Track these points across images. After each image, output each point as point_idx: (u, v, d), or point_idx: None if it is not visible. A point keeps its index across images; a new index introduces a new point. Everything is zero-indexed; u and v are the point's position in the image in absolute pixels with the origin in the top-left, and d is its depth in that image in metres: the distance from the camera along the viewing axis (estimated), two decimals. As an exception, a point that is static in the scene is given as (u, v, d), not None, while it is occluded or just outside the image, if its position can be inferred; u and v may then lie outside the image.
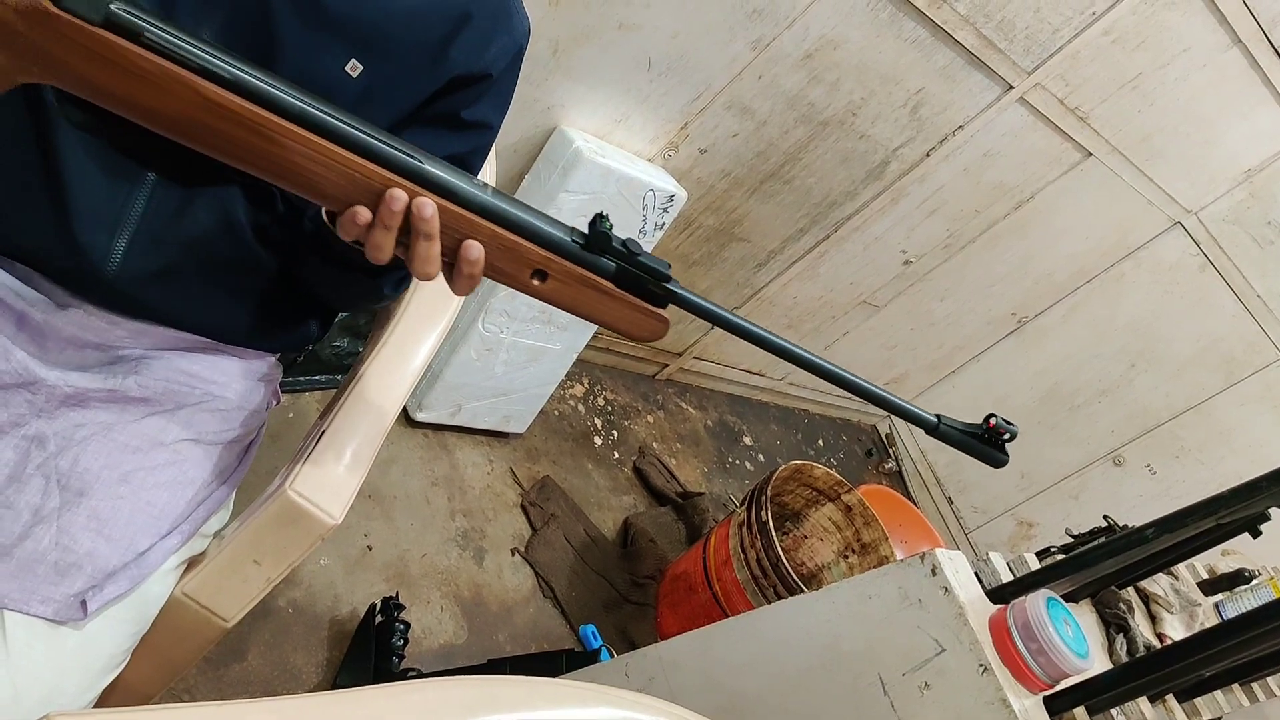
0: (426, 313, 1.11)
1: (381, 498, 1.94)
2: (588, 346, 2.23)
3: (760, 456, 3.20)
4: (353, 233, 0.69)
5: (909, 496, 3.64)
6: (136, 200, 0.79)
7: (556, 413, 2.56)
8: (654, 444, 2.79)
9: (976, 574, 1.02)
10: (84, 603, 0.75)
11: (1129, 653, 1.20)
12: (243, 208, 0.86)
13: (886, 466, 3.78)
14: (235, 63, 0.62)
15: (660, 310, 0.75)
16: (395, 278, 0.92)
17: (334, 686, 1.58)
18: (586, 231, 0.72)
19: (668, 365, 2.98)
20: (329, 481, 0.88)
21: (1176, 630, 1.37)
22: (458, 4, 0.88)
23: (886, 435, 3.94)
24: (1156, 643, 1.33)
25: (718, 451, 3.03)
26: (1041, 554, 1.25)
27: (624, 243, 0.72)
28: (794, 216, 2.49)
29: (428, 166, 0.68)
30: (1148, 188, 2.82)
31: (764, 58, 1.94)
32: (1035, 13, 2.03)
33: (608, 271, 0.72)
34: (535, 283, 0.71)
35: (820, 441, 3.62)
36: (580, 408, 2.66)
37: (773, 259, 2.64)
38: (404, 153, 0.67)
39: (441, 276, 0.74)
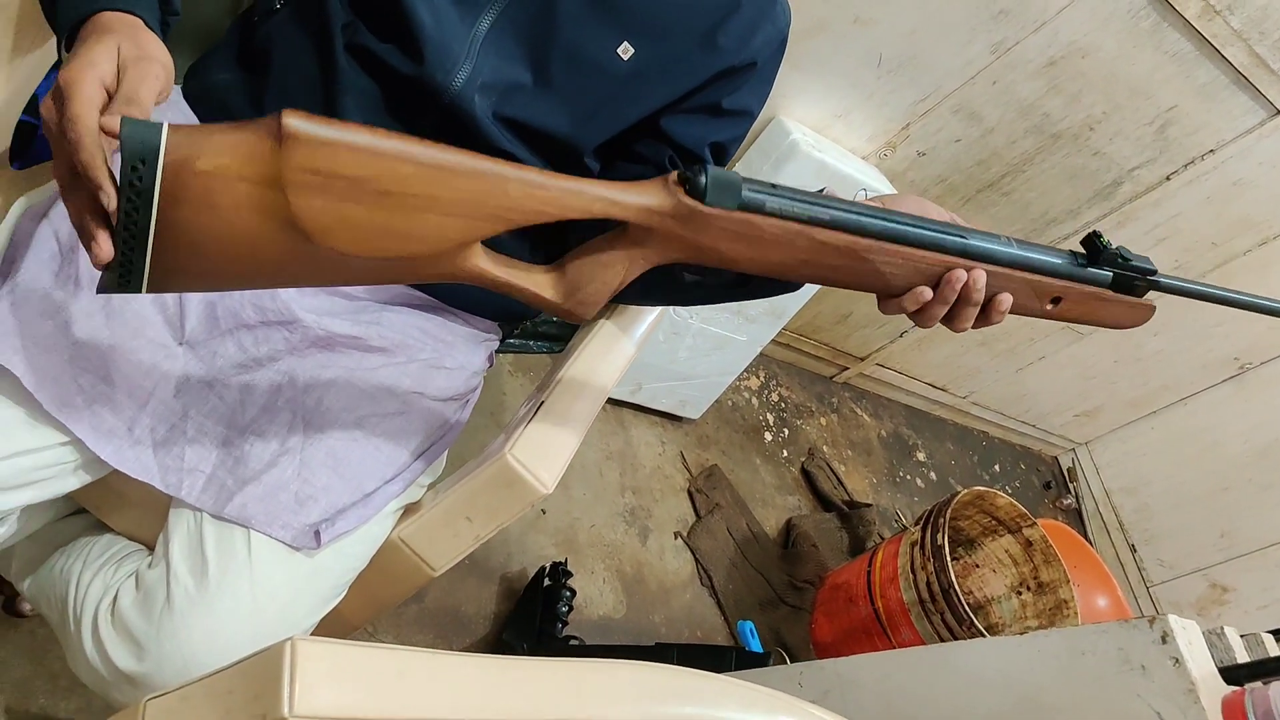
0: (646, 296, 1.11)
1: (559, 465, 1.98)
2: (770, 341, 2.20)
3: (932, 475, 3.08)
4: (910, 309, 0.76)
5: (1086, 538, 3.42)
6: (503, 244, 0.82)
7: (730, 403, 2.54)
8: (824, 447, 2.73)
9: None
10: (318, 533, 0.80)
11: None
12: None
13: (1065, 503, 3.57)
14: (832, 205, 0.70)
15: (1147, 301, 0.82)
16: None
17: (499, 641, 1.63)
18: (1084, 250, 0.79)
19: (847, 369, 2.91)
20: (545, 451, 0.90)
21: None
22: None
23: (1068, 469, 3.71)
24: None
25: (889, 463, 2.94)
26: (1276, 633, 1.14)
27: (1117, 251, 0.79)
28: (1007, 230, 2.36)
29: (972, 241, 0.75)
30: None
31: (1002, 62, 1.84)
32: (1321, 33, 1.83)
33: (1105, 281, 0.80)
34: (1049, 308, 0.79)
35: (996, 467, 3.45)
36: (754, 401, 2.64)
37: (977, 272, 2.52)
38: (953, 234, 0.75)
39: None
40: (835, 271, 0.73)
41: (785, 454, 2.60)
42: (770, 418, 2.65)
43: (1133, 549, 3.32)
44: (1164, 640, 0.84)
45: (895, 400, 3.17)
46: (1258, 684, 0.87)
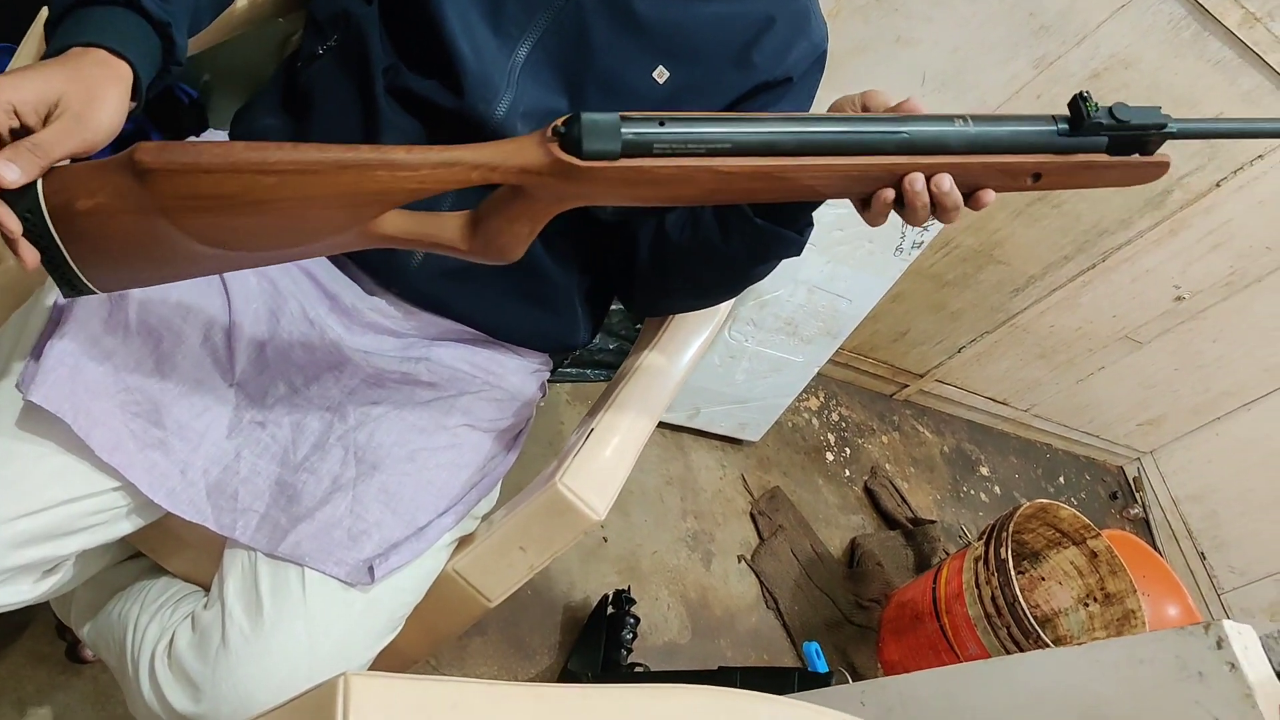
0: (694, 318, 1.12)
1: (620, 492, 2.02)
2: (828, 361, 2.22)
3: (996, 489, 3.06)
4: (881, 218, 0.69)
5: (1155, 547, 3.35)
6: (442, 204, 0.79)
7: (790, 424, 2.56)
8: (886, 465, 2.74)
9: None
10: (371, 569, 0.80)
11: None
12: None
13: (1131, 512, 3.50)
14: (735, 130, 0.64)
15: (1160, 158, 0.70)
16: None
17: (564, 670, 1.65)
18: (1069, 115, 0.68)
19: (907, 386, 2.91)
20: (596, 479, 0.91)
21: None
22: (762, 8, 0.90)
23: (1134, 479, 3.65)
24: None
25: (952, 479, 2.93)
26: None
27: (1110, 112, 0.66)
28: (1060, 242, 2.36)
29: (914, 129, 0.66)
30: None
31: (1046, 76, 1.86)
32: (1368, 33, 1.82)
33: (1100, 147, 0.68)
34: (1030, 183, 0.70)
35: (1061, 479, 3.40)
36: (814, 421, 2.65)
37: (1031, 284, 2.52)
38: (890, 130, 0.66)
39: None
40: (757, 194, 0.68)
41: (848, 473, 2.61)
42: (831, 438, 2.66)
43: (1202, 556, 3.25)
44: (1219, 646, 0.85)
45: (956, 416, 3.16)
46: (1320, 689, 0.87)
